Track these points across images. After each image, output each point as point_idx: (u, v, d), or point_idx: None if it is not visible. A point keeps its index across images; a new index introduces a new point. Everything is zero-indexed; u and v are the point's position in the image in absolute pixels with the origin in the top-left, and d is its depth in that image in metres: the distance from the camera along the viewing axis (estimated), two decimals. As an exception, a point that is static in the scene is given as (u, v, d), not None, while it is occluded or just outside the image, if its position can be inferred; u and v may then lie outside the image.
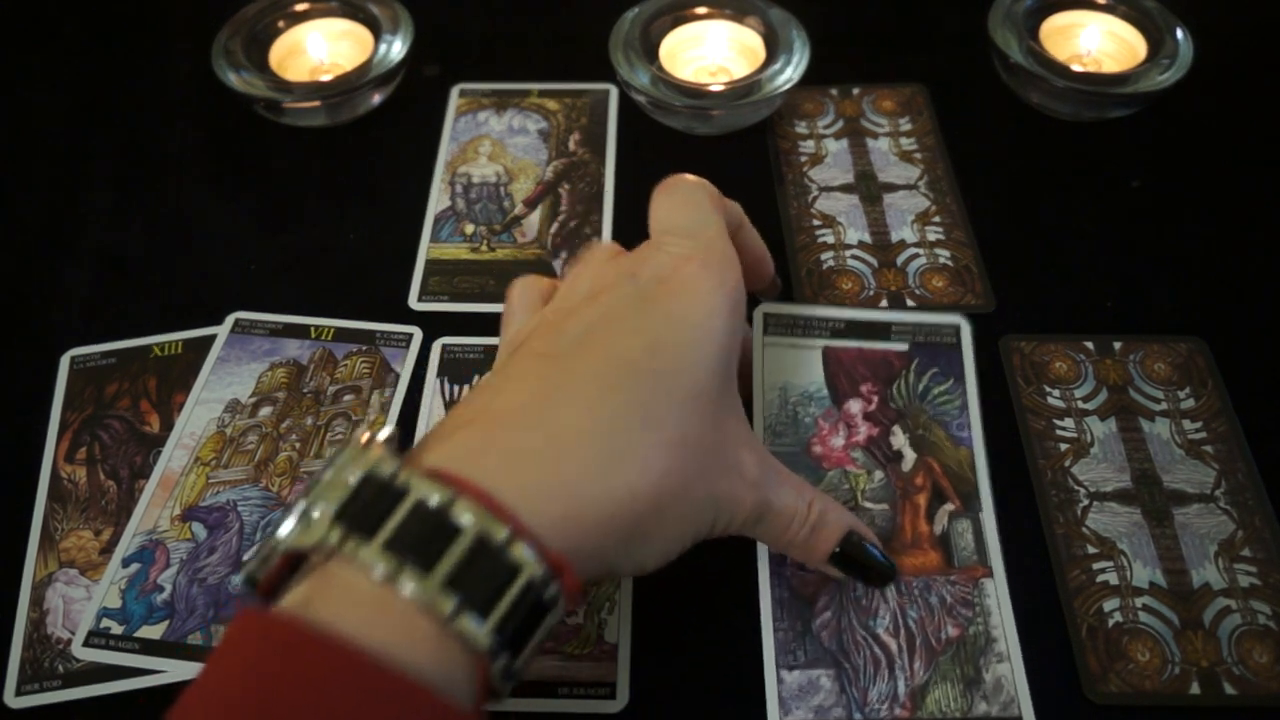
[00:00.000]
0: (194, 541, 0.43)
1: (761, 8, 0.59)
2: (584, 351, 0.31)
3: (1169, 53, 0.56)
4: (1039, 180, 0.56)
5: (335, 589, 0.25)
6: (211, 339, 0.49)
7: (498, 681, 0.26)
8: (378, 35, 0.59)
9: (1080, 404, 0.46)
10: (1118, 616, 0.40)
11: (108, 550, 0.43)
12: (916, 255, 0.52)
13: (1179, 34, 0.56)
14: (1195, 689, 0.38)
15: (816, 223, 0.53)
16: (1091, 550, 0.41)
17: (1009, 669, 0.36)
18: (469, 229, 0.54)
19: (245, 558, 0.43)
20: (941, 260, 0.51)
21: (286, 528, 0.27)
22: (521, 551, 0.26)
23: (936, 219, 0.53)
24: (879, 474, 0.39)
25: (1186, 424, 0.45)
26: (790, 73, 0.56)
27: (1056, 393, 0.46)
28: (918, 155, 0.57)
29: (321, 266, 0.53)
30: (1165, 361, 0.47)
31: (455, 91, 0.61)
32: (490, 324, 0.50)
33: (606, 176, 0.56)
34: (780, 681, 0.36)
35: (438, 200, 0.55)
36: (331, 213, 0.55)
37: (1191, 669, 0.38)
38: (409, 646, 0.24)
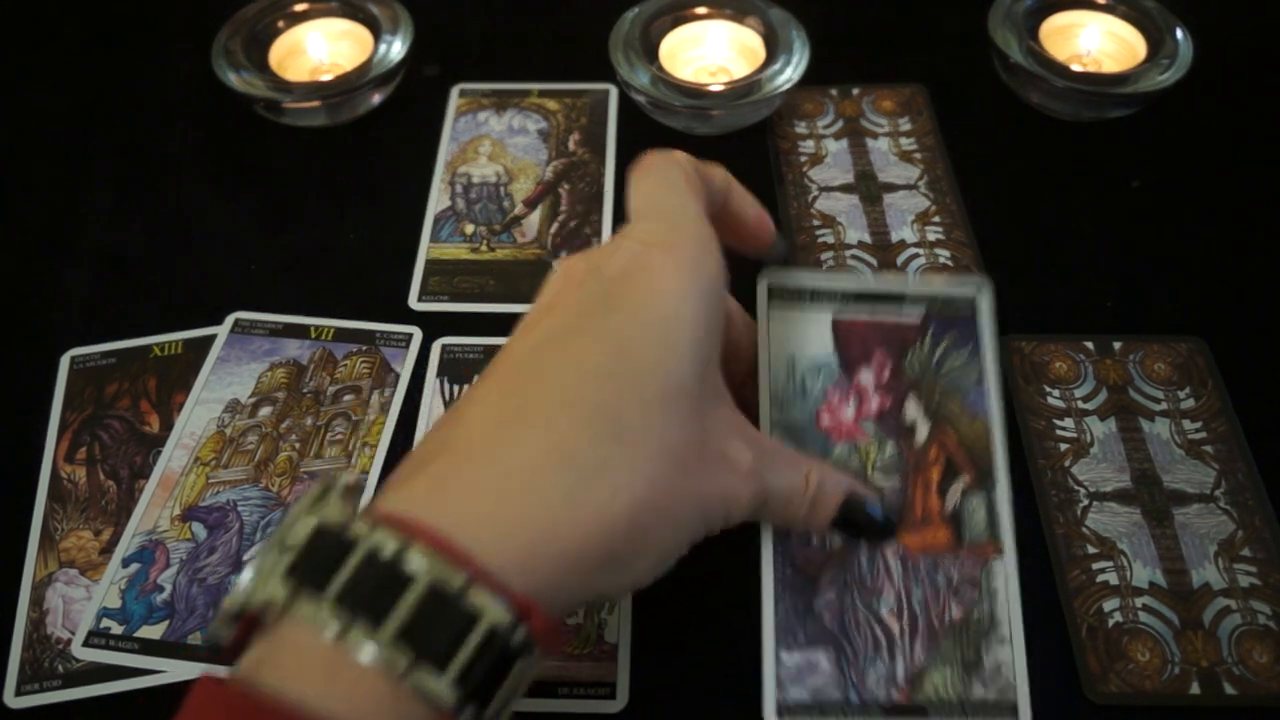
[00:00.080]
0: (194, 541, 0.43)
1: (761, 8, 0.59)
2: (545, 366, 0.29)
3: (1169, 53, 0.56)
4: (1039, 180, 0.56)
5: (287, 650, 0.24)
6: (211, 339, 0.49)
7: None
8: (378, 35, 0.59)
9: (1080, 404, 0.46)
10: (1118, 616, 0.40)
11: (108, 550, 0.43)
12: (916, 255, 0.52)
13: (1179, 34, 0.56)
14: (1195, 689, 0.38)
15: (816, 223, 0.53)
16: (1091, 550, 0.41)
17: (1009, 653, 0.35)
18: (469, 229, 0.54)
19: (243, 561, 0.43)
20: (941, 260, 0.51)
21: (241, 583, 0.25)
22: (480, 597, 0.24)
23: (936, 219, 0.53)
24: (890, 446, 0.38)
25: (1186, 424, 0.45)
26: (790, 73, 0.56)
27: (1056, 393, 0.46)
28: (918, 155, 0.57)
29: (321, 266, 0.53)
30: (1165, 361, 0.47)
31: (455, 91, 0.61)
32: (490, 324, 0.50)
33: (606, 176, 0.56)
34: (779, 663, 0.35)
35: (438, 200, 0.55)
36: (331, 213, 0.55)
37: (1191, 669, 0.38)
38: (364, 708, 0.23)
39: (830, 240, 0.52)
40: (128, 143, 0.60)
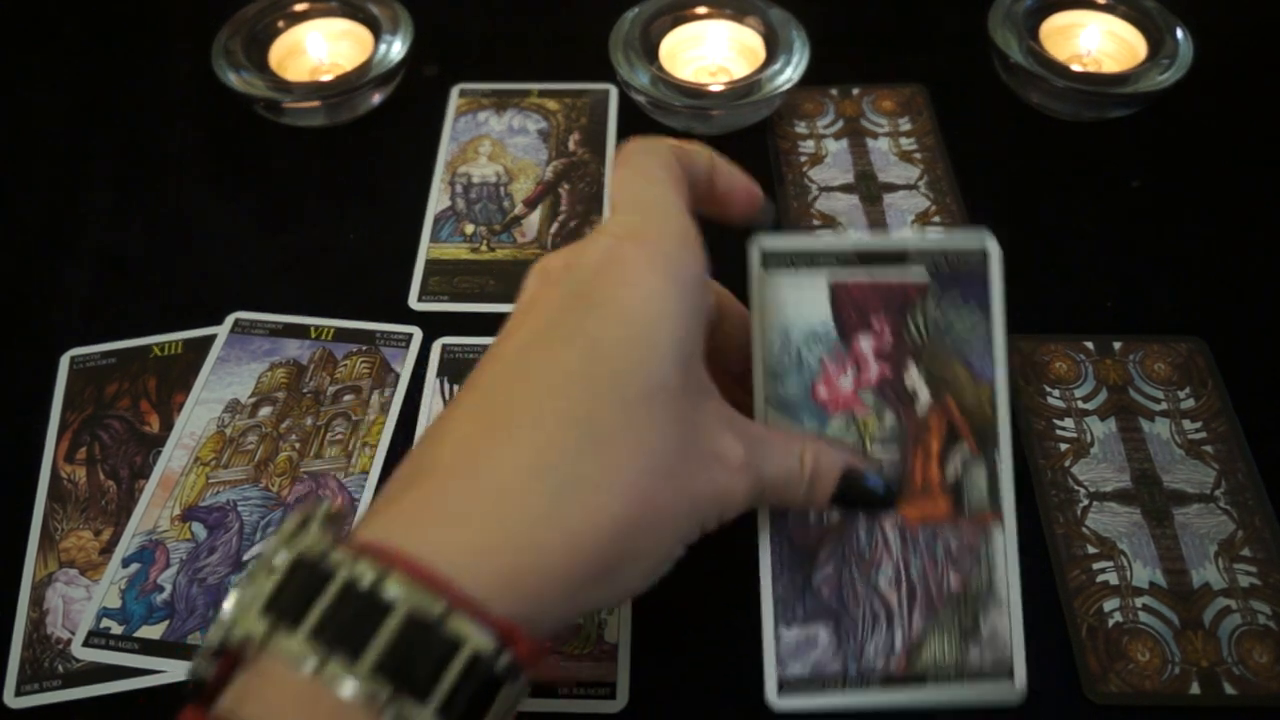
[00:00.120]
0: (194, 541, 0.43)
1: (761, 8, 0.59)
2: (521, 375, 0.28)
3: (1169, 53, 0.56)
4: (1039, 180, 0.56)
5: (267, 685, 0.24)
6: (211, 339, 0.49)
7: None
8: (378, 35, 0.59)
9: (1080, 404, 0.46)
10: (1118, 616, 0.40)
11: (108, 550, 0.43)
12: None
13: (1179, 34, 0.56)
14: (1195, 689, 0.38)
15: (816, 223, 0.53)
16: (1091, 550, 0.41)
17: (1006, 619, 0.34)
18: (469, 229, 0.54)
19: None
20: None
21: (221, 617, 0.25)
22: (460, 624, 0.23)
23: (936, 219, 0.53)
24: (890, 417, 0.36)
25: (1186, 424, 0.45)
26: (790, 73, 0.56)
27: (1056, 393, 0.46)
28: (918, 155, 0.57)
29: (321, 266, 0.53)
30: (1165, 361, 0.47)
31: (455, 91, 0.61)
32: (491, 324, 0.50)
33: (606, 176, 0.56)
34: (778, 640, 0.34)
35: (438, 200, 0.55)
36: (331, 213, 0.55)
37: (1191, 669, 0.38)
38: None
39: (830, 240, 0.52)
40: (128, 143, 0.60)
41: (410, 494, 0.26)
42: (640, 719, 0.38)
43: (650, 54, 0.57)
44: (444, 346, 0.49)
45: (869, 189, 0.55)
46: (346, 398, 0.47)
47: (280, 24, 0.60)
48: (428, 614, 0.23)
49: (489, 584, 0.24)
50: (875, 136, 0.58)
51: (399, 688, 0.23)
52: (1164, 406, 0.46)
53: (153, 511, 0.44)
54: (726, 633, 0.40)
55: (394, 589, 0.23)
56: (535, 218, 0.55)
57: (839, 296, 0.37)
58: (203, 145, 0.60)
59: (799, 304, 0.36)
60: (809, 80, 0.56)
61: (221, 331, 0.50)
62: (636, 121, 0.58)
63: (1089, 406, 0.46)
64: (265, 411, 0.47)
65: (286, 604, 0.24)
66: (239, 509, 0.44)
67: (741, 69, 0.58)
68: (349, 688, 0.23)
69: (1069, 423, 0.45)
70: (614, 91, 0.60)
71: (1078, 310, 0.50)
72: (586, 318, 0.28)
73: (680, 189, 0.32)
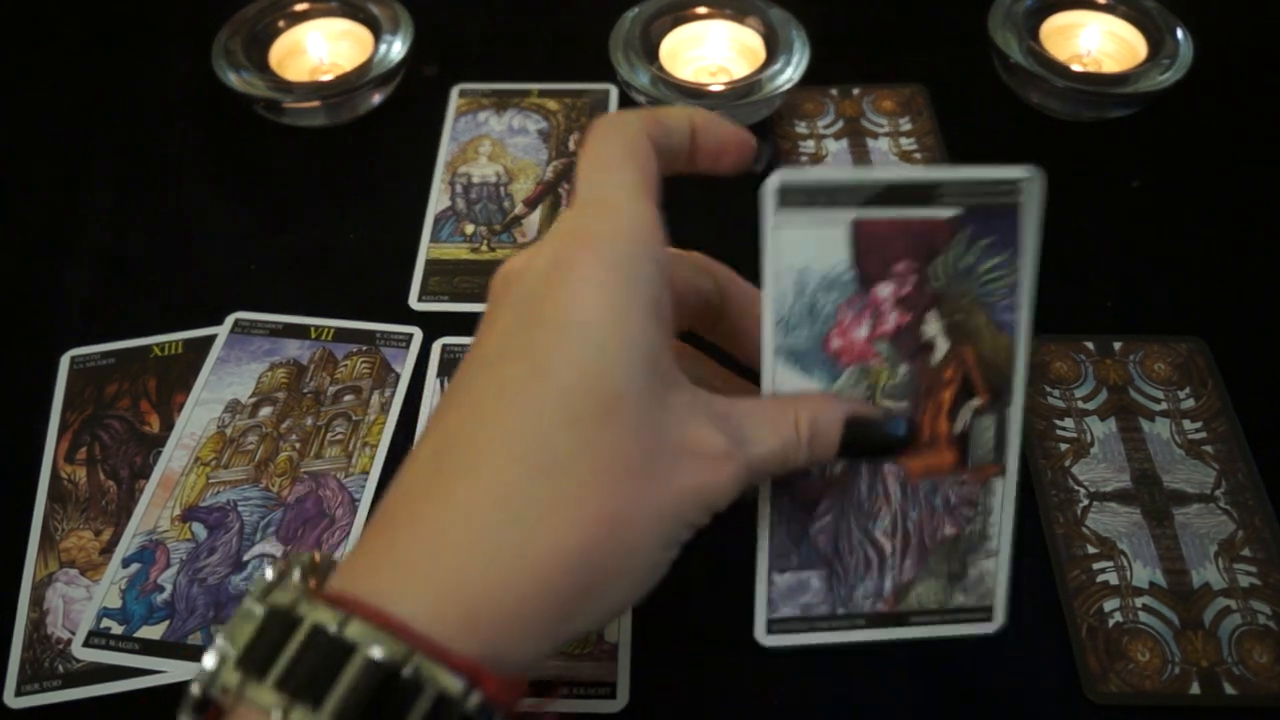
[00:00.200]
0: (194, 542, 0.43)
1: (761, 8, 0.59)
2: (469, 406, 0.27)
3: (1169, 53, 0.56)
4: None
5: None
6: (211, 339, 0.49)
7: None
8: (378, 35, 0.59)
9: (1080, 404, 0.46)
10: (1118, 616, 0.40)
11: (108, 550, 0.43)
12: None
13: (1179, 34, 0.56)
14: (1195, 689, 0.38)
15: (816, 223, 0.53)
16: (1091, 550, 0.42)
17: (994, 564, 0.34)
18: (469, 229, 0.54)
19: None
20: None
21: (202, 668, 0.25)
22: (423, 666, 0.23)
23: (936, 219, 0.53)
24: (903, 368, 0.34)
25: (1186, 424, 0.45)
26: (790, 73, 0.56)
27: (1057, 393, 0.46)
28: (918, 155, 0.57)
29: (321, 266, 0.53)
30: (1165, 361, 0.47)
31: (455, 91, 0.61)
32: (490, 324, 0.50)
33: (606, 176, 0.56)
34: (771, 584, 0.34)
35: (438, 200, 0.55)
36: (331, 213, 0.55)
37: (1191, 669, 0.38)
38: None
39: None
40: (128, 143, 0.60)
41: (372, 542, 0.26)
42: (640, 719, 0.38)
43: (650, 54, 0.57)
44: (444, 347, 0.49)
45: (869, 189, 0.55)
46: (347, 398, 0.47)
47: (280, 24, 0.60)
48: (388, 658, 0.23)
49: (450, 626, 0.24)
50: (875, 136, 0.58)
51: None
52: (1164, 406, 0.46)
53: (153, 512, 0.44)
54: (727, 632, 0.40)
55: (354, 635, 0.24)
56: (535, 218, 0.55)
57: (860, 236, 0.33)
58: (203, 145, 0.60)
59: (815, 246, 0.34)
60: (809, 80, 0.56)
61: (221, 332, 0.50)
62: (636, 121, 0.58)
63: (1089, 406, 0.46)
64: (265, 412, 0.47)
65: (257, 654, 0.24)
66: (239, 509, 0.44)
67: (741, 69, 0.58)
68: None
69: (1069, 423, 0.45)
70: (614, 91, 0.60)
71: (1078, 310, 0.50)
72: (533, 334, 0.27)
73: (644, 170, 0.30)
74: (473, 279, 0.52)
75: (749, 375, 0.34)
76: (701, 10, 0.60)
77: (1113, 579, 0.41)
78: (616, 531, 0.26)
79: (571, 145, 0.58)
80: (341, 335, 0.50)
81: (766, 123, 0.58)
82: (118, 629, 0.40)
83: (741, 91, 0.55)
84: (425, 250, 0.53)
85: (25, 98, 0.63)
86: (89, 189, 0.57)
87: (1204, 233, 0.53)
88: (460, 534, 0.25)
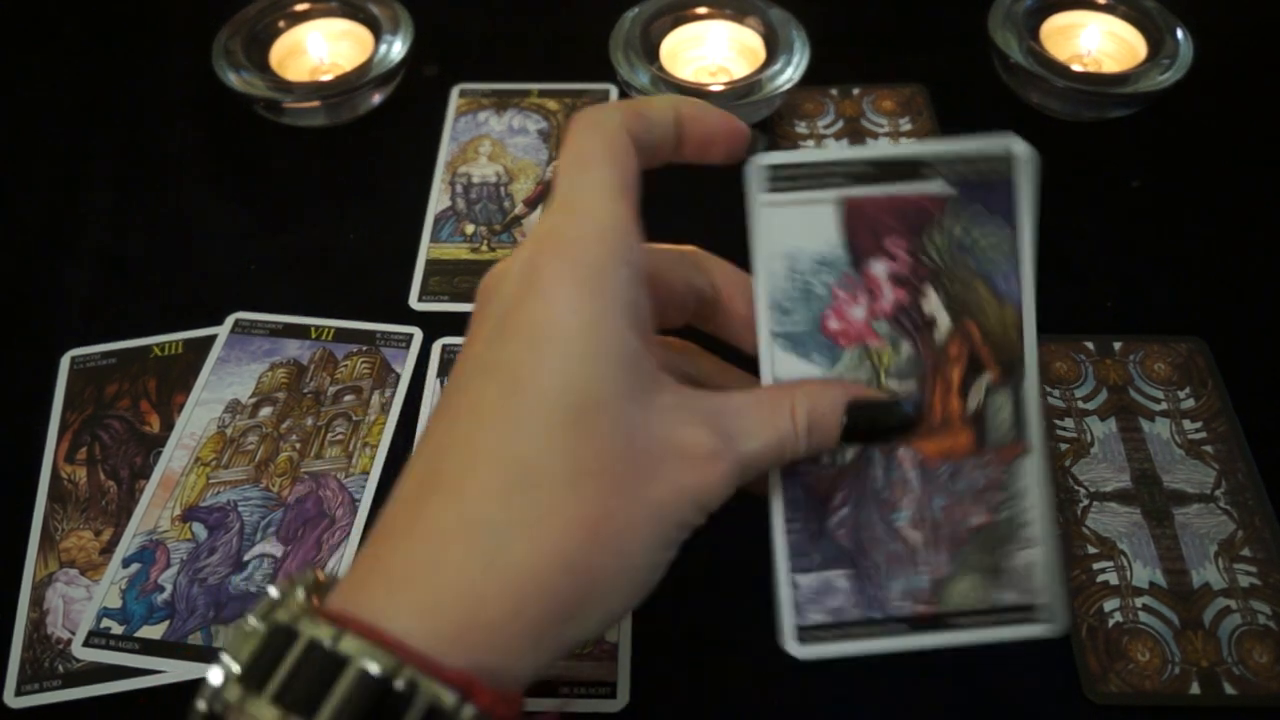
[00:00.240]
0: (194, 542, 0.43)
1: (761, 8, 0.59)
2: (451, 422, 0.27)
3: (1169, 53, 0.56)
4: (1039, 180, 0.56)
5: None
6: (211, 339, 0.49)
7: None
8: (378, 35, 0.59)
9: (1080, 404, 0.46)
10: (1118, 616, 0.40)
11: (108, 550, 0.43)
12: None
13: (1179, 34, 0.56)
14: (1195, 689, 0.38)
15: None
16: (1091, 550, 0.42)
17: (1037, 554, 0.32)
18: (469, 229, 0.54)
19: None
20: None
21: (207, 684, 0.26)
22: (414, 678, 0.24)
23: (936, 219, 0.53)
24: (906, 346, 0.33)
25: (1186, 424, 0.45)
26: (790, 73, 0.56)
27: (1057, 393, 0.46)
28: (918, 155, 0.57)
29: (321, 266, 0.53)
30: (1165, 361, 0.47)
31: (455, 91, 0.61)
32: (490, 324, 0.50)
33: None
34: (795, 586, 0.32)
35: (438, 200, 0.55)
36: (331, 213, 0.55)
37: (1191, 669, 0.38)
38: None
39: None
40: (128, 143, 0.60)
41: (366, 560, 0.27)
42: (640, 719, 0.38)
43: (650, 54, 0.57)
44: (444, 347, 0.49)
45: (869, 189, 0.55)
46: (347, 398, 0.47)
47: (280, 24, 0.60)
48: (380, 671, 0.24)
49: (441, 640, 0.25)
50: (875, 136, 0.58)
51: None
52: (1164, 406, 0.46)
53: (153, 512, 0.44)
54: (727, 631, 0.40)
55: (347, 649, 0.24)
56: (535, 218, 0.55)
57: (850, 215, 0.33)
58: (203, 145, 0.60)
59: (805, 226, 0.33)
60: (809, 80, 0.56)
61: (222, 332, 0.50)
62: (636, 121, 0.58)
63: (1089, 406, 0.46)
64: (266, 412, 0.47)
65: (257, 669, 0.25)
66: (239, 509, 0.44)
67: (741, 69, 0.58)
68: None
69: (1069, 422, 0.45)
70: (614, 91, 0.60)
71: (1078, 310, 0.50)
72: (506, 347, 0.27)
73: (621, 168, 0.30)
74: (473, 279, 0.52)
75: (752, 367, 0.33)
76: (701, 10, 0.60)
77: (1113, 579, 0.41)
78: (600, 536, 0.26)
79: (571, 145, 0.58)
80: (341, 335, 0.50)
81: (766, 123, 0.58)
82: (118, 629, 0.41)
83: (741, 91, 0.55)
84: (425, 250, 0.53)
85: (25, 98, 0.63)
86: (89, 189, 0.57)
87: (1204, 233, 0.53)
88: (443, 554, 0.25)
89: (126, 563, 0.42)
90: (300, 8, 0.60)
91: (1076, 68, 0.56)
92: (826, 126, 0.58)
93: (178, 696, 0.39)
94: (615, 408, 0.27)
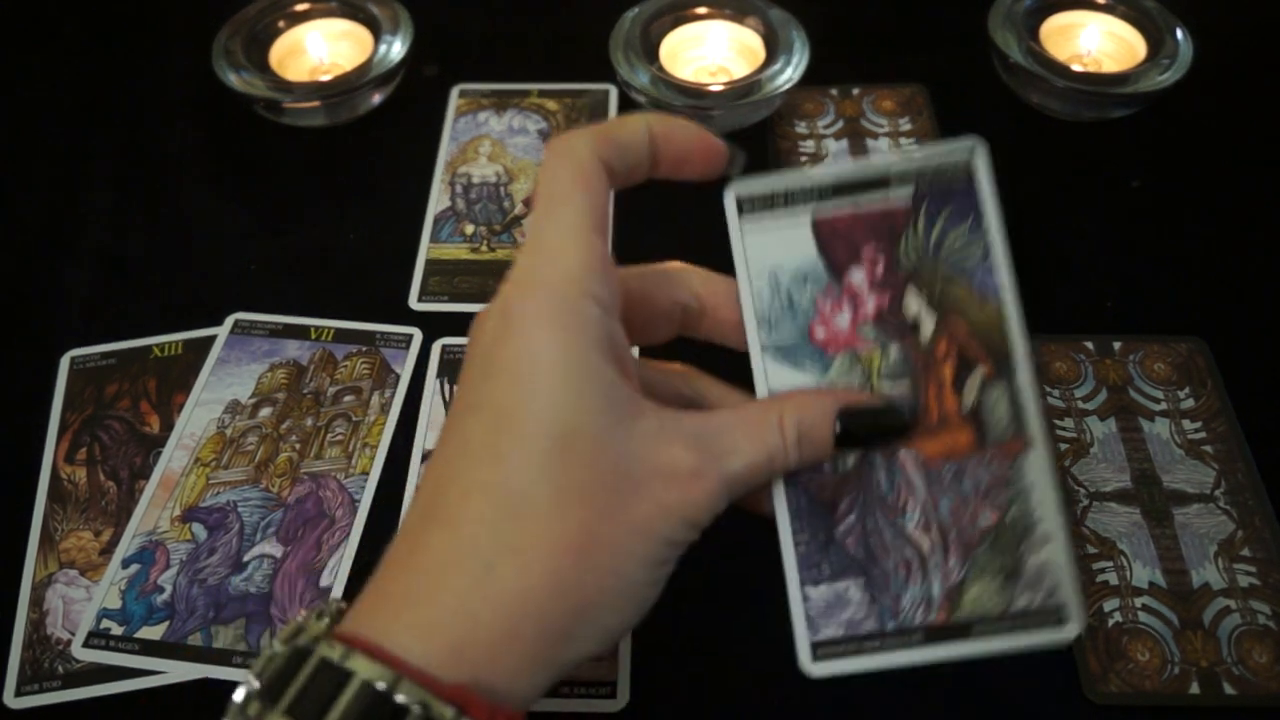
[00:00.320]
0: (194, 542, 0.43)
1: (761, 8, 0.59)
2: (446, 456, 0.29)
3: (1169, 53, 0.56)
4: (1039, 180, 0.56)
5: None
6: (211, 339, 0.49)
7: None
8: (378, 35, 0.59)
9: (1080, 404, 0.46)
10: (1118, 616, 0.40)
11: (108, 551, 0.43)
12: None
13: (1179, 34, 0.56)
14: (1195, 689, 0.38)
15: (816, 223, 0.53)
16: (1091, 550, 0.42)
17: (1051, 553, 0.32)
18: (469, 229, 0.54)
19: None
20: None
21: (235, 699, 0.27)
22: (413, 692, 0.26)
23: (936, 219, 0.53)
24: (894, 348, 0.34)
25: (1186, 424, 0.45)
26: (790, 73, 0.56)
27: (1056, 393, 0.46)
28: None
29: (321, 266, 0.53)
30: (1165, 361, 0.47)
31: (455, 91, 0.61)
32: (490, 324, 0.50)
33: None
34: (806, 599, 0.32)
35: (438, 200, 0.55)
36: (331, 213, 0.55)
37: (1191, 669, 0.38)
38: None
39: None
40: (128, 143, 0.60)
41: (375, 588, 0.29)
42: (640, 719, 0.38)
43: (650, 54, 0.57)
44: (444, 347, 0.49)
45: (869, 189, 0.55)
46: (347, 398, 0.47)
47: (280, 24, 0.60)
48: (380, 684, 0.26)
49: (437, 658, 0.26)
50: (875, 136, 0.58)
51: None
52: (1164, 406, 0.46)
53: (153, 512, 0.44)
54: (727, 631, 0.40)
55: (352, 666, 0.26)
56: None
57: (823, 232, 0.35)
58: (203, 145, 0.60)
59: (783, 246, 0.35)
60: (809, 80, 0.56)
61: (221, 332, 0.50)
62: (636, 121, 0.58)
63: (1089, 406, 0.46)
64: (265, 412, 0.47)
65: (275, 687, 0.27)
66: (239, 510, 0.44)
67: (741, 69, 0.58)
68: None
69: (1069, 423, 0.45)
70: (614, 92, 0.60)
71: (1078, 310, 0.50)
72: (490, 384, 0.29)
73: (592, 198, 0.31)
74: (473, 279, 0.52)
75: (751, 371, 0.34)
76: (701, 10, 0.60)
77: (1112, 579, 0.41)
78: (588, 558, 0.28)
79: (571, 145, 0.58)
80: (341, 336, 0.50)
81: (766, 123, 0.58)
82: (117, 630, 0.41)
83: (741, 91, 0.55)
84: (425, 250, 0.53)
85: (25, 98, 0.63)
86: (89, 189, 0.57)
87: (1204, 233, 0.53)
88: (442, 579, 0.27)
89: (126, 563, 0.42)
90: (300, 8, 0.60)
91: (1076, 68, 0.56)
92: (826, 127, 0.58)
93: (177, 697, 0.39)
94: (595, 435, 0.28)
